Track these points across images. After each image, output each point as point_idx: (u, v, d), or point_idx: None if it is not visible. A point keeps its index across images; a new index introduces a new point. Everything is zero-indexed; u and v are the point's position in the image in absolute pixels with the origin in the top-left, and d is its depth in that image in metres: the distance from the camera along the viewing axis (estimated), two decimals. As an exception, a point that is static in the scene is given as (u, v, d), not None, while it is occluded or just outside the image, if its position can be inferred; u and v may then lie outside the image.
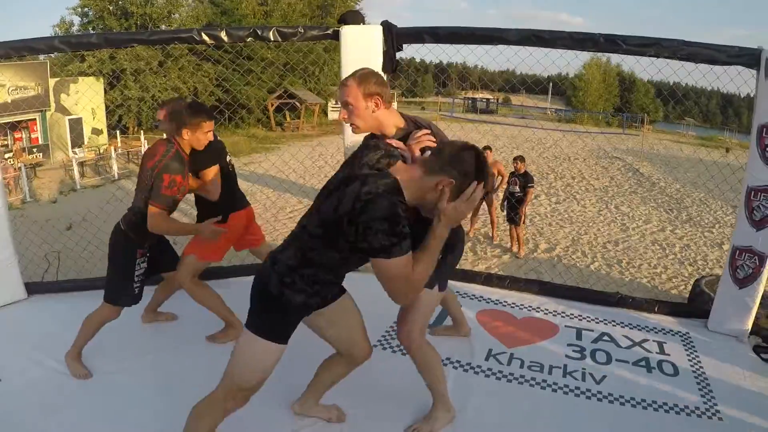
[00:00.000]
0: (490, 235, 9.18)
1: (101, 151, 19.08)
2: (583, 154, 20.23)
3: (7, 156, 16.51)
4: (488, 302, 4.02)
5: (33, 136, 19.73)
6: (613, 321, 3.78)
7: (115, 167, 17.07)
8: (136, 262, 3.09)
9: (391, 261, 1.84)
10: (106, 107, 22.61)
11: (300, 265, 2.05)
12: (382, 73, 4.10)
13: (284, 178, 13.25)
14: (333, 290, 2.24)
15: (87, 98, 20.09)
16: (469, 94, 49.54)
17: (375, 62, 4.00)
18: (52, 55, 20.37)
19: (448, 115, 34.42)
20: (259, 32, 4.02)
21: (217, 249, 3.39)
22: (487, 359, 3.29)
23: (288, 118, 28.39)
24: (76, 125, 20.35)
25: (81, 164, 16.96)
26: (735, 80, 3.53)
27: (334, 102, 29.86)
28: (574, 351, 3.39)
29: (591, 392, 2.96)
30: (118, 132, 22.17)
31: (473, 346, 3.41)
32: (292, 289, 2.05)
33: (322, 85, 29.95)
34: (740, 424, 2.75)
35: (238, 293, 2.76)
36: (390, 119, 2.41)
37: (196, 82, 24.87)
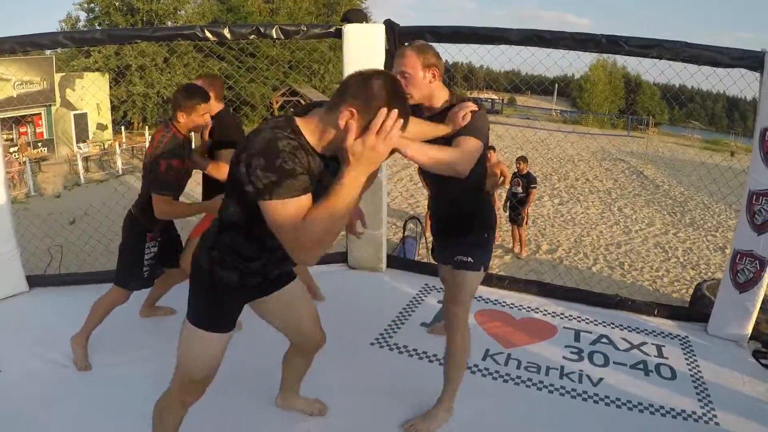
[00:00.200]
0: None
1: (106, 146, 19.13)
2: (587, 156, 20.20)
3: (12, 150, 16.57)
4: (487, 302, 4.01)
5: (38, 130, 19.81)
6: (612, 323, 3.77)
7: (119, 162, 17.12)
8: (146, 246, 3.11)
9: (273, 203, 1.60)
10: (111, 103, 22.68)
11: (219, 230, 1.92)
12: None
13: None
14: (268, 270, 2.02)
15: (92, 94, 20.15)
16: (474, 94, 49.53)
17: (377, 61, 4.00)
18: (58, 50, 20.42)
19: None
20: (262, 30, 4.02)
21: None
22: (484, 359, 3.28)
23: (292, 116, 28.36)
24: (80, 120, 20.42)
25: (85, 159, 17.01)
26: (738, 83, 3.52)
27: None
28: (571, 353, 3.38)
29: (587, 394, 2.95)
30: (122, 127, 22.24)
31: (471, 345, 3.40)
32: (221, 266, 1.92)
33: (327, 83, 29.94)
34: (737, 429, 2.73)
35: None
36: (441, 93, 2.46)
37: (201, 78, 24.90)
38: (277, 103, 27.41)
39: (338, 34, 4.02)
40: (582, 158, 19.53)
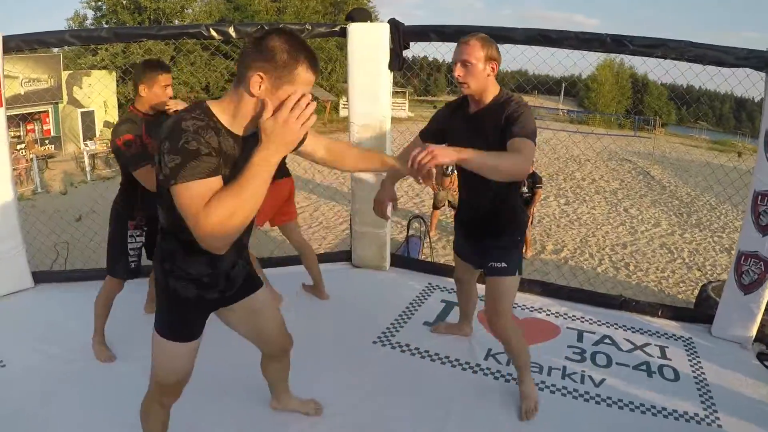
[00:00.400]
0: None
1: (112, 143, 19.15)
2: (593, 156, 20.12)
3: (19, 147, 16.65)
4: (490, 302, 4.00)
5: (45, 128, 19.90)
6: (616, 324, 3.76)
7: (125, 161, 17.15)
8: (128, 234, 3.11)
9: (177, 187, 1.51)
10: (118, 101, 22.74)
11: (161, 240, 1.85)
12: (389, 72, 4.09)
13: (291, 173, 13.25)
14: (220, 283, 1.94)
15: (99, 92, 20.21)
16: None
17: (382, 59, 4.01)
18: (65, 48, 20.50)
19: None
20: (267, 28, 4.02)
21: (260, 213, 3.40)
22: (486, 359, 3.28)
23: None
24: (87, 118, 20.50)
25: (92, 156, 17.06)
26: (743, 83, 3.49)
27: (345, 99, 29.89)
28: (574, 353, 3.38)
29: (589, 395, 2.95)
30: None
31: (473, 345, 3.41)
32: (173, 276, 1.84)
33: (334, 82, 29.94)
34: (739, 431, 2.73)
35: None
36: (493, 88, 2.48)
37: (207, 77, 24.97)
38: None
39: (343, 33, 4.02)
40: (588, 158, 19.45)
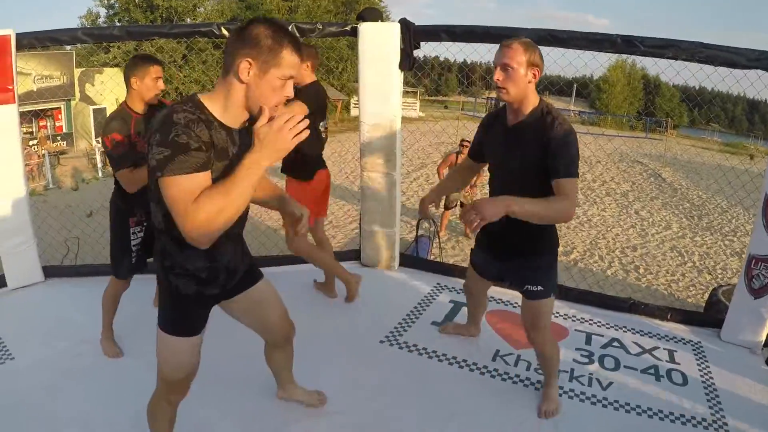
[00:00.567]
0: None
1: (124, 141, 19.27)
2: (604, 157, 20.03)
3: (31, 143, 16.79)
4: (498, 302, 3.99)
5: (57, 124, 20.07)
6: (624, 327, 3.74)
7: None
8: (131, 231, 3.12)
9: (165, 180, 1.53)
10: (130, 98, 22.86)
11: (157, 238, 1.86)
12: (400, 71, 4.09)
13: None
14: (220, 278, 1.95)
15: (111, 89, 20.32)
16: (493, 94, 49.22)
17: (393, 59, 4.00)
18: (78, 45, 20.64)
19: (471, 114, 34.27)
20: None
21: (311, 208, 3.57)
22: (493, 360, 3.27)
23: (309, 114, 28.43)
24: (99, 115, 20.63)
25: (104, 153, 17.17)
26: (755, 85, 3.46)
27: (356, 99, 29.93)
28: (582, 355, 3.36)
29: (596, 398, 2.93)
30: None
31: (480, 346, 3.40)
32: (173, 274, 1.86)
33: (345, 81, 29.98)
34: (748, 436, 2.71)
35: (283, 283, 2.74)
36: (533, 97, 2.36)
37: (218, 75, 25.07)
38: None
39: (354, 32, 4.02)
40: (598, 160, 19.36)
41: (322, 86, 3.57)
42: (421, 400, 2.84)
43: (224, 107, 1.67)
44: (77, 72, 20.08)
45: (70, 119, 20.20)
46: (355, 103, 30.16)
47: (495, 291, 4.11)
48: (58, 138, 19.60)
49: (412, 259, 4.94)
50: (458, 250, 8.85)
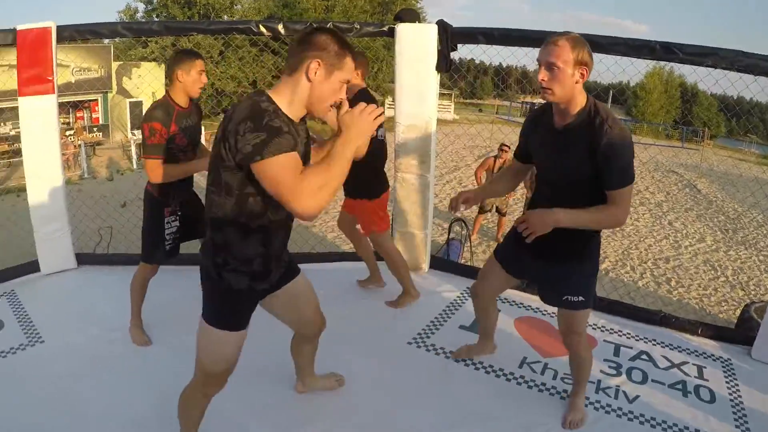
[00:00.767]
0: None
1: (159, 134, 19.58)
2: (639, 166, 19.72)
3: (68, 133, 17.14)
4: (527, 309, 3.95)
5: (94, 115, 20.49)
6: (654, 340, 3.67)
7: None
8: (165, 221, 3.19)
9: (265, 162, 1.64)
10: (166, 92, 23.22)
11: (213, 233, 1.92)
12: (436, 73, 4.07)
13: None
14: (269, 268, 2.04)
15: (148, 83, 20.67)
16: (528, 99, 48.99)
17: (429, 61, 3.99)
18: (116, 39, 21.04)
19: (506, 118, 34.02)
20: (316, 26, 4.04)
21: (381, 221, 3.75)
22: (520, 367, 3.24)
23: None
24: (136, 108, 21.00)
25: (139, 145, 17.46)
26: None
27: (390, 99, 29.97)
28: (610, 367, 3.30)
29: (622, 411, 2.88)
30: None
31: (507, 352, 3.36)
32: (227, 270, 1.93)
33: (380, 82, 29.96)
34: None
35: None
36: (581, 97, 2.20)
37: (255, 73, 25.30)
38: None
39: (391, 33, 4.02)
40: (634, 168, 19.05)
41: (369, 92, 3.59)
42: (441, 402, 2.84)
43: (290, 102, 1.81)
44: (115, 65, 20.45)
45: (106, 111, 20.59)
46: (389, 104, 30.06)
47: (525, 297, 4.08)
48: (95, 129, 19.99)
49: (443, 262, 4.92)
50: (489, 254, 8.79)
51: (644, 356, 3.46)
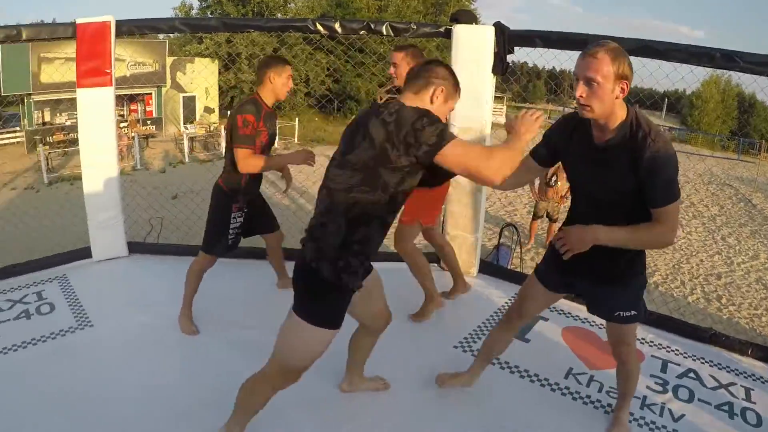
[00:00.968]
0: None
1: (211, 128, 20.02)
2: (693, 178, 19.17)
3: (122, 125, 17.68)
4: (575, 319, 3.88)
5: (148, 109, 21.08)
6: (702, 358, 3.55)
7: (223, 144, 17.81)
8: (232, 216, 3.30)
9: (452, 144, 1.87)
10: (220, 88, 23.70)
11: (349, 232, 1.99)
12: (492, 76, 4.03)
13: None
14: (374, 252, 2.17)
15: (202, 78, 21.14)
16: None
17: (485, 63, 3.96)
18: (170, 35, 21.60)
19: (555, 123, 33.38)
20: (373, 26, 4.07)
21: (430, 214, 3.65)
22: (566, 377, 3.18)
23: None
24: (189, 102, 21.54)
25: (191, 139, 17.88)
26: None
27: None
28: (656, 383, 3.21)
29: (666, 429, 2.79)
30: (229, 112, 23.17)
31: (554, 361, 3.31)
32: (348, 272, 2.02)
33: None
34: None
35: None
36: (620, 111, 2.05)
37: (308, 71, 25.57)
38: (381, 99, 27.50)
39: (447, 34, 4.00)
40: (688, 180, 18.52)
41: None
42: (483, 408, 2.81)
43: None
44: (169, 60, 20.98)
45: (160, 105, 21.15)
46: (440, 105, 29.88)
47: (573, 307, 4.01)
48: (148, 122, 20.57)
49: (492, 267, 4.86)
50: (538, 260, 8.66)
51: (692, 374, 3.36)
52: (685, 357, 3.55)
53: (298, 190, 10.31)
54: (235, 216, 3.31)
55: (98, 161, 4.17)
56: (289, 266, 3.60)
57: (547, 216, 8.73)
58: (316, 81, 25.87)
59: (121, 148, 14.66)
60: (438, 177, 3.58)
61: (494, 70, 3.99)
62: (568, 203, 9.61)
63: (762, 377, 3.40)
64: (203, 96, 22.48)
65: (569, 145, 2.27)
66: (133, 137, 15.83)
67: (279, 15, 26.39)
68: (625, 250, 2.18)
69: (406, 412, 2.75)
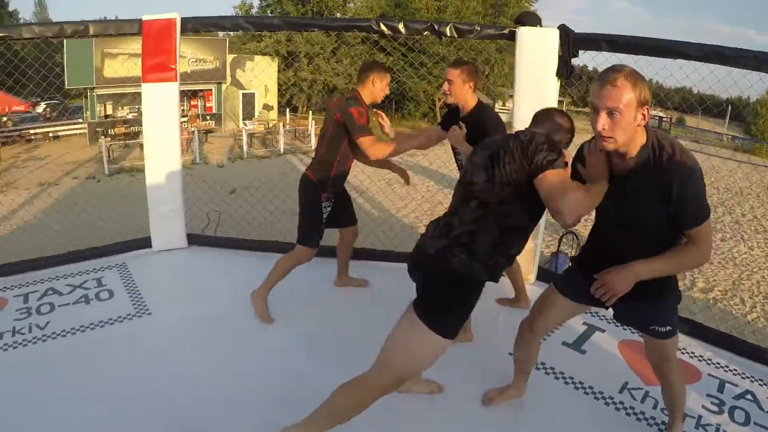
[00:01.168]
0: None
1: (270, 125, 20.36)
2: (758, 190, 18.36)
3: (182, 120, 18.18)
4: (632, 333, 3.76)
5: (208, 105, 21.60)
6: (761, 380, 3.39)
7: (281, 142, 18.15)
8: (323, 206, 3.40)
9: (554, 171, 1.91)
10: (279, 86, 24.08)
11: (501, 237, 2.07)
12: (556, 79, 3.97)
13: (446, 174, 13.27)
14: None
15: (267, 75, 21.51)
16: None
17: (549, 66, 3.89)
18: (230, 33, 22.10)
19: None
20: (436, 27, 4.05)
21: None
22: (621, 392, 3.10)
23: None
24: (248, 99, 21.94)
25: (250, 136, 18.22)
26: None
27: (501, 103, 29.62)
28: (712, 403, 3.10)
29: (722, 451, 2.70)
30: (287, 110, 23.62)
31: (610, 375, 3.24)
32: (495, 271, 2.10)
33: (491, 85, 29.52)
34: None
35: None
36: (641, 136, 1.95)
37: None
38: (440, 100, 27.40)
39: (511, 36, 3.95)
40: (752, 192, 17.77)
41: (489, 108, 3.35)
42: (535, 419, 2.78)
43: None
44: (229, 58, 21.44)
45: (219, 101, 21.64)
46: (499, 108, 29.43)
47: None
48: (207, 117, 21.10)
49: (550, 274, 4.77)
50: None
51: (749, 396, 3.22)
52: (743, 378, 3.41)
53: (357, 189, 10.33)
54: (326, 206, 3.41)
55: (161, 154, 4.31)
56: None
57: None
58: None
59: (181, 143, 15.08)
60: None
61: (558, 74, 3.91)
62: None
63: (823, 404, 3.23)
64: (262, 93, 22.89)
65: None
66: (193, 132, 16.24)
67: (338, 14, 26.58)
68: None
69: (460, 419, 2.73)
